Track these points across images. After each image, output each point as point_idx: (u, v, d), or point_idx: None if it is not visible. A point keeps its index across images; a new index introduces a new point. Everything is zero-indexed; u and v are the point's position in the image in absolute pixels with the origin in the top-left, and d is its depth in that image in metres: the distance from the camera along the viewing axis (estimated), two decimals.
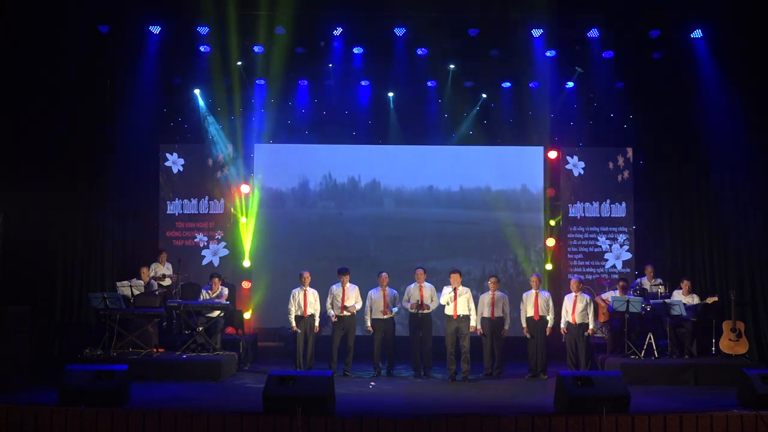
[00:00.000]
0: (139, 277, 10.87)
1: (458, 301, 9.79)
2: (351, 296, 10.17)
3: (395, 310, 10.24)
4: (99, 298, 9.85)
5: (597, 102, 12.34)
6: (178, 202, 12.52)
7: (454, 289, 9.77)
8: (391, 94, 12.40)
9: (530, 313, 10.13)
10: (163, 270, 11.36)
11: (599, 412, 6.82)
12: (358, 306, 10.21)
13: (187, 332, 10.45)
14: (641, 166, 12.40)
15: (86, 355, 9.60)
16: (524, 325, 10.19)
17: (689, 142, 11.57)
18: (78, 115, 11.13)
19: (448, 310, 9.86)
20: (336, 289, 10.22)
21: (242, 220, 12.44)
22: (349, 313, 10.12)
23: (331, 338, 10.20)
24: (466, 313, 9.84)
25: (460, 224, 12.58)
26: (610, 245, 12.51)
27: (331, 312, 10.15)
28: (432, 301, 10.18)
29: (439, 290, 10.17)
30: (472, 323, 9.90)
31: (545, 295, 10.22)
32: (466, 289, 9.95)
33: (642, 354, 9.82)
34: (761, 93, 10.77)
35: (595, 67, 11.70)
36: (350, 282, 10.26)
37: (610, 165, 12.55)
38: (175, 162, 12.52)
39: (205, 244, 12.48)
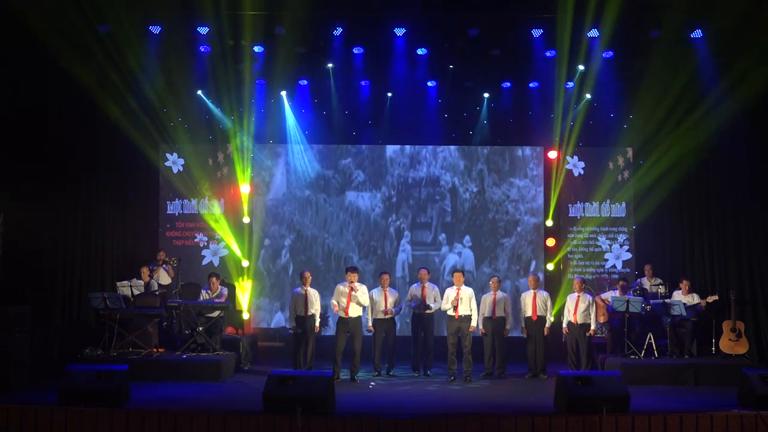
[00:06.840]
0: (139, 277, 10.86)
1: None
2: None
3: (396, 310, 10.24)
4: (99, 298, 9.85)
5: (597, 102, 12.34)
6: (178, 202, 12.51)
7: (457, 290, 9.81)
8: (390, 94, 12.40)
9: (528, 313, 10.12)
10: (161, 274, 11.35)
11: (599, 412, 6.83)
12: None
13: (187, 332, 10.46)
14: (641, 166, 12.40)
15: (86, 355, 9.61)
16: (523, 325, 10.20)
17: (689, 142, 11.55)
18: (78, 114, 11.13)
19: (450, 310, 9.87)
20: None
21: (244, 220, 12.47)
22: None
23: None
24: (467, 313, 9.85)
25: (460, 224, 12.60)
26: (610, 245, 12.50)
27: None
28: (435, 301, 10.18)
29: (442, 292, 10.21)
30: (473, 323, 9.91)
31: (543, 295, 10.20)
32: (469, 289, 9.97)
33: (642, 354, 9.83)
34: (761, 92, 10.75)
35: (595, 67, 11.70)
36: (349, 281, 10.19)
37: (610, 165, 12.55)
38: (175, 162, 12.52)
39: (205, 244, 12.48)
